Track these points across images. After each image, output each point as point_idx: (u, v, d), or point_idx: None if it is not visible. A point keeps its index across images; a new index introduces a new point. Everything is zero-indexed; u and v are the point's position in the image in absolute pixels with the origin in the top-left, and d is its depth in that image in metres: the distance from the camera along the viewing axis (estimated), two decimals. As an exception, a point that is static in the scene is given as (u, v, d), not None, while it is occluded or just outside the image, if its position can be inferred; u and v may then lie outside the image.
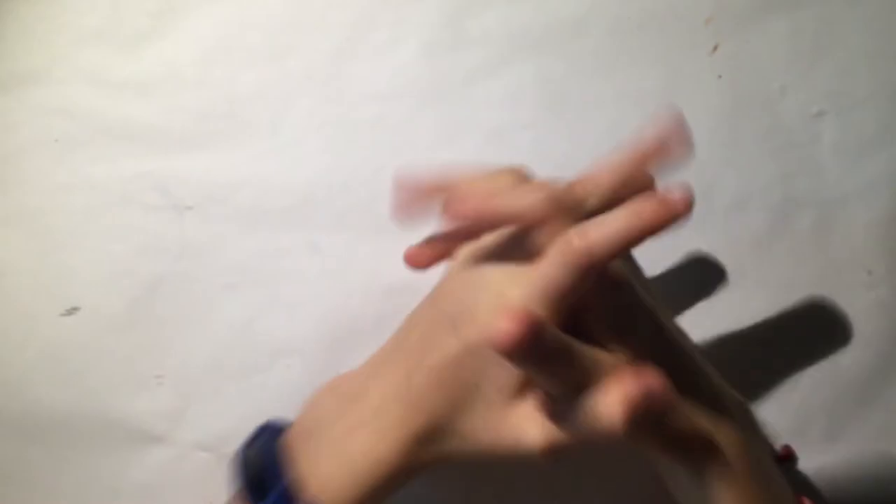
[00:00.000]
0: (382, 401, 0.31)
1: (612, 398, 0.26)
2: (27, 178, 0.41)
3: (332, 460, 0.30)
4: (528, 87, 0.41)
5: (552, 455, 0.28)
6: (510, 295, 0.29)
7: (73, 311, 0.40)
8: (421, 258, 0.34)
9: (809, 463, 0.39)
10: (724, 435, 0.30)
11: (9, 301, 0.41)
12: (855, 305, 0.39)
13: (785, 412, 0.39)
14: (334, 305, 0.39)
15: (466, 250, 0.32)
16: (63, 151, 0.41)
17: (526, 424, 0.29)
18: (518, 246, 0.30)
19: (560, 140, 0.41)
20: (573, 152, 0.40)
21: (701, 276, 0.40)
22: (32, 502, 0.40)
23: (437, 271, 0.33)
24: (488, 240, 0.32)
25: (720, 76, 0.40)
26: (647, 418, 0.26)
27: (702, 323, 0.39)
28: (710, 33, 0.40)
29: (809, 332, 0.39)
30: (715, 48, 0.40)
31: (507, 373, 0.29)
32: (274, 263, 0.40)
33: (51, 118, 0.41)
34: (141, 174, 0.41)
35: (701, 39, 0.40)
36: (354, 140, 0.41)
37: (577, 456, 0.30)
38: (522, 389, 0.29)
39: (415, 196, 0.32)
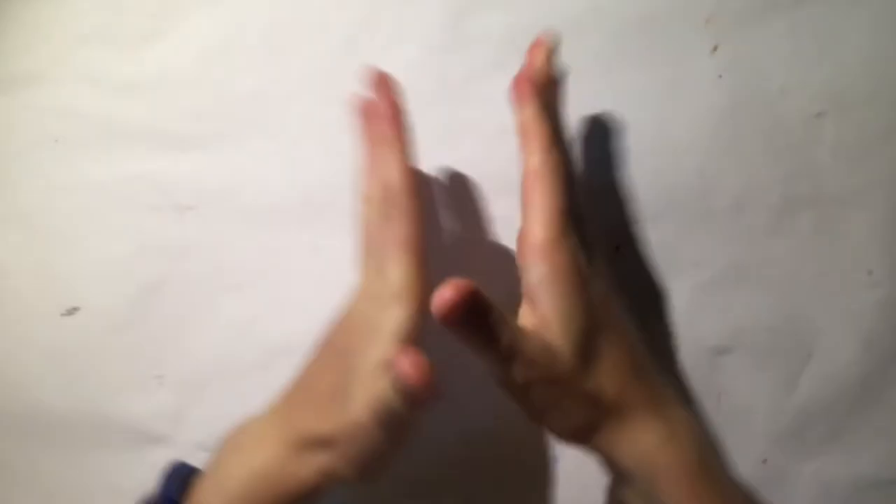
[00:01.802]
0: (264, 424, 0.33)
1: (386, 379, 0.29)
2: (27, 178, 0.41)
3: (211, 482, 0.32)
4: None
5: (383, 434, 0.30)
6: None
7: (73, 311, 0.40)
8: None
9: (808, 464, 0.39)
10: (679, 422, 0.33)
11: (9, 301, 0.41)
12: (855, 305, 0.39)
13: (785, 412, 0.39)
14: (334, 305, 0.39)
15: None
16: (63, 151, 0.41)
17: (357, 409, 0.30)
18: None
19: (560, 140, 0.41)
20: (573, 152, 0.40)
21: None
22: (32, 502, 0.40)
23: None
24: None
25: (720, 76, 0.40)
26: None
27: (702, 322, 0.40)
28: (710, 33, 0.40)
29: (809, 331, 0.39)
30: (715, 48, 0.40)
31: (367, 360, 0.30)
32: (274, 263, 0.40)
33: (51, 118, 0.41)
34: (141, 174, 0.41)
35: (701, 39, 0.40)
36: (354, 140, 0.41)
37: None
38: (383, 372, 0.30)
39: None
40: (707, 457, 0.33)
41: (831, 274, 0.40)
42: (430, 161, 0.40)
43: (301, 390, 0.33)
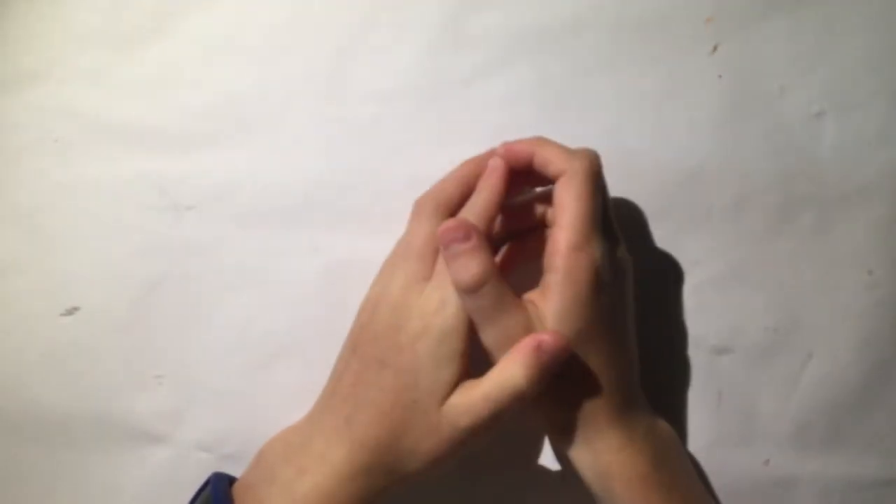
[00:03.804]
0: (327, 445, 0.32)
1: (514, 360, 0.30)
2: (27, 178, 0.41)
3: (283, 500, 0.32)
4: (528, 87, 0.41)
5: (484, 431, 0.31)
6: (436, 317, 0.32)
7: (73, 311, 0.40)
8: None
9: (810, 465, 0.39)
10: (638, 430, 0.33)
11: (9, 301, 0.41)
12: (855, 305, 0.39)
13: (785, 412, 0.39)
14: (334, 305, 0.39)
15: (372, 296, 0.35)
16: (63, 151, 0.41)
17: (457, 415, 0.31)
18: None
19: (560, 140, 0.40)
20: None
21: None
22: (32, 502, 0.40)
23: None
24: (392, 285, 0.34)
25: (720, 76, 0.40)
26: (545, 375, 0.30)
27: (702, 322, 0.40)
28: (710, 33, 0.40)
29: (809, 331, 0.39)
30: (715, 48, 0.40)
31: (438, 377, 0.31)
32: (274, 263, 0.40)
33: (51, 118, 0.41)
34: (141, 174, 0.41)
35: (701, 39, 0.40)
36: (354, 140, 0.41)
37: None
38: (453, 389, 0.31)
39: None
40: (666, 464, 0.33)
41: (831, 274, 0.40)
42: (430, 161, 0.40)
43: (362, 410, 0.32)
